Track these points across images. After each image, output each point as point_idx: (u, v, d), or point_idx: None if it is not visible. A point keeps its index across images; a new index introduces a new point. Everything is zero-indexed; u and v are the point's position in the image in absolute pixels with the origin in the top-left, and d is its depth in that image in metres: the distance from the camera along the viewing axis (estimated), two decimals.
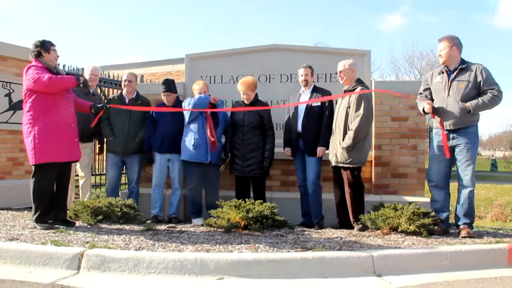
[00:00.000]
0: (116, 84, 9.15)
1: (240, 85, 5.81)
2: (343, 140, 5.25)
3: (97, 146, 6.79)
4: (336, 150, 5.37)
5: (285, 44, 6.89)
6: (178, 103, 6.07)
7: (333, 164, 5.45)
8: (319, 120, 5.63)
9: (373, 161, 6.14)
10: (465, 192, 4.89)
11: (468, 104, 4.78)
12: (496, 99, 4.78)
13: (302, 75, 5.76)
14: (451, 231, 5.10)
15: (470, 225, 4.94)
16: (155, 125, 6.09)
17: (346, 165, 5.30)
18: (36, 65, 4.82)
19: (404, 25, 61.07)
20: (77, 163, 6.14)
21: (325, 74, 6.56)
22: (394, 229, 4.84)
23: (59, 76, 4.76)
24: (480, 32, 58.13)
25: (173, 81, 6.18)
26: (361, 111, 5.17)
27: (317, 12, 63.09)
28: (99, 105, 5.43)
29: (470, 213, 4.92)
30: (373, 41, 58.48)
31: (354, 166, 5.31)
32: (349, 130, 5.23)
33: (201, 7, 64.39)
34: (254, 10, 65.32)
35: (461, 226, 4.91)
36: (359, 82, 5.46)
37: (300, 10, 63.92)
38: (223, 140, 5.81)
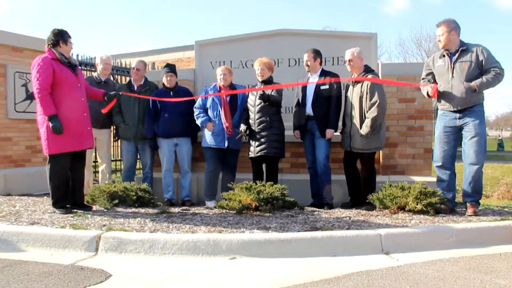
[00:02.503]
0: (128, 72, 9.16)
1: (256, 62, 5.81)
2: (360, 127, 5.32)
3: (113, 132, 6.84)
4: (353, 137, 5.43)
5: (292, 29, 6.85)
6: (178, 88, 6.12)
7: (353, 150, 5.49)
8: (328, 103, 5.60)
9: (383, 143, 6.11)
10: (472, 169, 4.86)
11: (473, 83, 4.75)
12: (499, 77, 4.76)
13: (304, 60, 5.74)
14: (457, 209, 5.08)
15: (477, 202, 4.93)
16: (156, 112, 6.08)
17: (365, 151, 5.40)
18: (43, 62, 4.76)
19: (409, 8, 60.30)
20: (96, 149, 6.23)
21: (333, 58, 6.51)
22: (402, 208, 4.85)
23: (47, 101, 4.70)
24: (483, 13, 57.24)
25: (174, 65, 6.28)
26: (376, 98, 5.24)
27: None
28: (112, 93, 5.46)
29: (477, 191, 4.90)
30: (379, 24, 57.88)
31: (372, 152, 5.43)
32: (365, 118, 5.29)
33: None
34: None
35: (468, 204, 4.90)
36: (367, 69, 5.50)
37: None
38: (242, 128, 5.72)
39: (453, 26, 4.92)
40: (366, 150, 5.40)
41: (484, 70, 4.79)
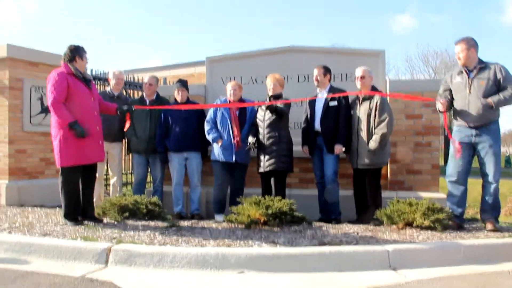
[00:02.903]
0: (140, 86, 9.24)
1: (268, 78, 5.83)
2: (367, 144, 5.35)
3: (125, 146, 6.89)
4: (360, 154, 5.46)
5: (301, 46, 6.89)
6: (189, 102, 6.16)
7: (359, 167, 5.52)
8: (336, 118, 5.62)
9: (389, 159, 6.10)
10: (490, 188, 4.86)
11: (490, 99, 4.76)
12: None
13: (314, 75, 5.78)
14: (465, 226, 5.05)
15: (496, 219, 4.90)
16: (167, 127, 6.12)
17: (371, 167, 5.43)
18: (58, 76, 4.83)
19: (415, 26, 60.47)
20: (107, 162, 6.27)
21: (341, 74, 6.54)
22: (409, 224, 4.81)
23: (62, 111, 4.77)
24: (489, 30, 57.18)
25: (186, 81, 6.33)
26: (386, 116, 5.30)
27: (329, 14, 63.06)
28: (124, 107, 5.51)
29: (495, 208, 4.90)
30: (386, 41, 58.07)
31: (378, 167, 5.47)
32: (374, 134, 5.33)
33: (219, 12, 64.98)
34: (271, 13, 65.55)
35: (487, 221, 4.87)
36: (375, 88, 5.58)
37: (313, 12, 63.98)
38: (251, 140, 5.71)
39: (471, 44, 4.95)
40: (372, 165, 5.42)
41: (502, 87, 4.80)
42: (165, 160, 6.22)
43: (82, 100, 4.93)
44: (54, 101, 4.77)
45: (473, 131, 4.89)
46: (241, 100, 5.94)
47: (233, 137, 5.70)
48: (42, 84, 6.55)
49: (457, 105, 5.01)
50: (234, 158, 5.74)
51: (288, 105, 5.71)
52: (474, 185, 5.15)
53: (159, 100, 6.33)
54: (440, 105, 5.07)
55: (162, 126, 6.12)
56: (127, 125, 5.60)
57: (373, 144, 5.31)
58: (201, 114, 6.11)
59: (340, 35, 65.90)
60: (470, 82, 4.89)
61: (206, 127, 5.89)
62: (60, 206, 5.08)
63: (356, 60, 6.37)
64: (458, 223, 4.97)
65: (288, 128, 5.81)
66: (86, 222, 5.01)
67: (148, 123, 6.17)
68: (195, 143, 6.07)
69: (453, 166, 5.09)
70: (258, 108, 5.90)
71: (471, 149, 4.97)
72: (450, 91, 5.14)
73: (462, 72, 5.01)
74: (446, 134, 22.78)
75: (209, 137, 5.85)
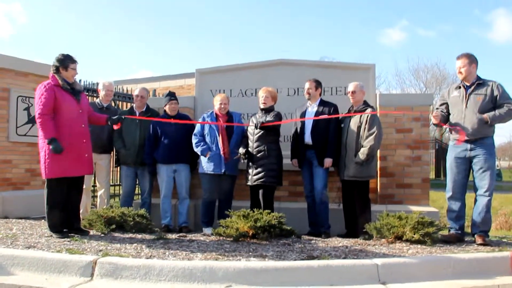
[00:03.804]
0: (130, 98, 9.23)
1: (261, 90, 5.87)
2: (355, 156, 5.39)
3: (114, 157, 6.85)
4: (348, 166, 5.50)
5: (291, 59, 6.94)
6: (179, 115, 6.17)
7: (345, 178, 5.55)
8: (327, 132, 5.65)
9: (378, 172, 6.13)
10: (482, 201, 4.90)
11: (485, 115, 4.84)
12: (511, 112, 4.84)
13: (306, 89, 5.82)
14: (466, 239, 5.07)
15: (486, 233, 4.93)
16: (156, 139, 6.10)
17: (358, 179, 5.46)
18: (45, 88, 4.80)
19: (405, 40, 61.03)
20: (95, 173, 6.22)
21: (331, 88, 6.57)
22: (399, 238, 4.81)
23: (47, 124, 4.73)
24: (477, 46, 58.06)
25: (175, 93, 6.35)
26: (374, 129, 5.37)
27: (318, 27, 63.50)
28: (114, 118, 5.49)
29: (486, 222, 4.92)
30: (375, 55, 58.40)
31: (365, 180, 5.50)
32: (361, 146, 5.39)
33: (208, 25, 65.33)
34: (260, 26, 65.98)
35: (477, 235, 4.89)
36: (366, 104, 5.64)
37: (302, 25, 64.40)
38: (241, 150, 5.73)
39: (472, 59, 5.05)
40: (359, 178, 5.46)
41: (498, 105, 4.90)
42: (153, 172, 6.19)
43: (69, 113, 4.89)
44: (41, 114, 4.73)
45: (468, 145, 4.96)
46: (228, 113, 5.95)
47: (222, 149, 5.69)
48: (30, 94, 6.51)
49: (453, 119, 5.09)
50: (223, 170, 5.73)
51: (279, 119, 5.72)
52: (467, 198, 5.17)
53: (149, 112, 6.32)
54: (433, 118, 5.18)
55: (151, 138, 6.10)
56: (116, 127, 5.59)
57: (361, 156, 5.35)
58: (190, 126, 6.10)
59: (328, 48, 66.27)
60: (467, 97, 4.99)
61: (194, 140, 5.89)
62: (45, 218, 5.01)
63: (346, 74, 6.45)
64: (458, 236, 4.99)
65: (278, 142, 5.83)
66: (71, 234, 4.94)
67: (137, 135, 6.15)
68: (184, 155, 6.05)
69: (449, 181, 5.14)
70: (248, 121, 5.92)
71: (467, 164, 5.03)
72: (447, 106, 5.23)
73: (460, 87, 5.11)
74: (437, 148, 23.09)
75: (198, 150, 5.84)
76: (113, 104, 7.56)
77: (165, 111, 6.17)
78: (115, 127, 5.53)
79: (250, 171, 5.69)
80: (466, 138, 4.92)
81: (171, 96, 6.17)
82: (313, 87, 5.79)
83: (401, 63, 75.20)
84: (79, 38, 67.71)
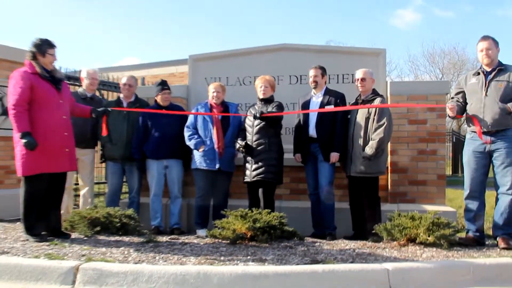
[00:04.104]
0: (116, 87, 9.19)
1: (258, 80, 5.86)
2: (363, 150, 5.35)
3: (99, 153, 6.82)
4: (354, 161, 5.47)
5: (294, 44, 6.90)
6: (171, 106, 6.17)
7: (352, 174, 5.52)
8: (333, 124, 5.62)
9: (389, 168, 6.11)
10: (505, 200, 4.84)
11: (508, 105, 4.77)
12: None
13: (311, 77, 5.76)
14: (486, 242, 5.03)
15: (510, 236, 4.85)
16: (146, 131, 6.09)
17: (366, 175, 5.43)
18: (20, 76, 4.76)
19: (419, 21, 60.16)
20: (78, 170, 6.19)
21: (337, 75, 6.54)
22: (412, 240, 4.80)
23: (21, 117, 4.67)
24: (501, 27, 56.97)
25: (166, 81, 6.33)
26: (384, 121, 5.32)
27: (324, 9, 62.55)
28: (100, 109, 5.45)
29: (510, 223, 4.85)
30: (386, 38, 57.71)
31: (374, 176, 5.46)
32: (370, 139, 5.34)
33: (205, 5, 64.42)
34: (261, 9, 65.19)
35: (499, 238, 4.84)
36: (375, 93, 5.59)
37: (307, 7, 63.57)
38: (240, 142, 5.70)
39: (497, 43, 5.00)
40: (367, 174, 5.43)
41: None
42: (142, 169, 6.17)
43: (48, 103, 4.85)
44: (15, 105, 4.68)
45: (488, 138, 4.90)
46: (223, 103, 5.93)
47: (216, 143, 5.67)
48: (3, 83, 6.46)
49: (471, 108, 5.01)
50: (217, 166, 5.71)
51: (281, 110, 5.70)
52: (488, 197, 5.14)
53: (138, 102, 6.30)
54: (448, 111, 5.10)
55: (140, 131, 6.08)
56: (104, 128, 5.55)
57: (369, 150, 5.31)
58: (184, 118, 6.07)
59: (334, 32, 65.73)
60: (487, 84, 4.91)
61: (186, 133, 5.88)
62: (21, 220, 4.98)
63: (354, 60, 6.41)
64: (476, 239, 4.95)
65: (279, 135, 5.81)
66: (51, 237, 4.92)
67: (124, 128, 6.13)
68: (176, 150, 6.04)
69: (467, 178, 5.10)
70: (246, 112, 5.90)
71: (486, 158, 4.97)
72: (464, 94, 5.16)
73: (478, 73, 5.04)
74: (454, 141, 23.02)
75: (190, 144, 5.81)
76: (97, 94, 7.53)
77: (156, 101, 6.14)
78: (104, 127, 5.50)
79: (248, 166, 5.67)
80: (484, 130, 4.86)
81: (164, 85, 6.14)
82: (319, 74, 5.75)
83: (414, 47, 74.56)
84: (58, 20, 67.23)
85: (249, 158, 5.67)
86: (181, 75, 14.46)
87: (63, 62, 18.74)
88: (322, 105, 5.66)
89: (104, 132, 5.61)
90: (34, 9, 66.59)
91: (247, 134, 5.74)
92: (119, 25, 69.39)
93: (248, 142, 5.66)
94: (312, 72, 5.78)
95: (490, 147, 4.91)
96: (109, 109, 5.59)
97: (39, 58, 4.90)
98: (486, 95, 4.90)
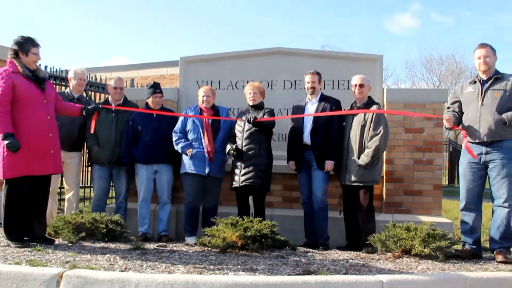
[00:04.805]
0: (104, 88, 9.17)
1: (247, 86, 5.90)
2: (358, 158, 5.36)
3: (86, 156, 6.77)
4: (349, 169, 5.49)
5: (289, 48, 6.93)
6: (163, 109, 6.17)
7: (346, 183, 5.54)
8: (328, 130, 5.64)
9: (384, 177, 6.13)
10: (501, 213, 4.86)
11: (504, 115, 4.79)
12: None
13: (308, 82, 5.78)
14: (483, 255, 5.05)
15: (507, 249, 4.87)
16: (135, 135, 6.08)
17: (360, 184, 5.44)
18: (1, 76, 4.73)
19: (417, 26, 60.30)
20: (63, 174, 6.15)
21: (333, 81, 6.57)
22: (407, 252, 4.81)
23: (3, 117, 4.65)
24: (501, 34, 57.02)
25: (159, 84, 6.31)
26: (380, 129, 5.35)
27: (320, 13, 62.56)
28: (90, 107, 5.43)
29: (507, 236, 4.86)
30: (383, 44, 57.86)
31: (368, 185, 5.47)
32: (366, 148, 5.36)
33: (198, 7, 64.33)
34: (255, 12, 65.17)
35: (497, 251, 4.85)
36: (371, 101, 5.63)
37: (302, 11, 63.61)
38: (230, 147, 5.72)
39: (495, 51, 5.03)
40: (362, 183, 5.44)
41: None
42: (131, 173, 6.15)
43: (31, 103, 4.81)
44: None
45: (484, 148, 4.91)
46: (214, 107, 5.94)
47: (206, 147, 5.67)
48: None
49: (467, 118, 5.03)
50: (207, 171, 5.71)
51: (273, 116, 5.72)
52: (485, 208, 5.17)
53: (127, 104, 6.28)
54: (445, 122, 5.13)
55: (130, 134, 6.07)
56: (93, 125, 5.55)
57: (364, 158, 5.33)
58: (175, 122, 6.06)
59: (330, 37, 65.86)
60: (483, 92, 4.93)
61: (174, 137, 5.88)
62: (1, 224, 4.93)
63: (350, 66, 6.45)
64: (473, 251, 4.97)
65: (270, 141, 5.83)
66: (33, 243, 4.88)
67: (113, 130, 6.10)
68: (166, 154, 6.02)
69: (462, 189, 5.12)
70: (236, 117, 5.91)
71: (482, 170, 4.99)
72: (460, 104, 5.18)
73: (475, 82, 5.06)
74: (451, 150, 23.16)
75: (178, 148, 5.82)
76: (84, 95, 7.50)
77: (147, 104, 6.14)
78: (93, 124, 5.49)
79: (237, 171, 5.67)
80: (480, 140, 4.88)
81: (156, 87, 6.13)
82: (316, 80, 5.78)
83: (412, 53, 74.92)
84: (45, 18, 66.91)
85: (238, 164, 5.67)
86: (171, 77, 14.45)
87: (49, 61, 18.61)
88: (317, 111, 5.68)
89: (91, 130, 5.62)
90: (20, 5, 66.25)
91: (237, 139, 5.75)
92: (109, 23, 69.23)
93: (238, 147, 5.67)
94: (309, 78, 5.79)
95: (485, 158, 4.92)
96: (100, 106, 5.58)
97: (21, 57, 4.87)
98: (482, 104, 4.91)
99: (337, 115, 5.63)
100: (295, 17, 63.74)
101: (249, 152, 5.60)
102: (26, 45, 4.89)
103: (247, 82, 6.19)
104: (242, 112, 5.99)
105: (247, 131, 5.66)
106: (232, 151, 5.63)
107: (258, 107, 5.78)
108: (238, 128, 5.80)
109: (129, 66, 16.68)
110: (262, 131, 5.65)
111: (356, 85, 5.61)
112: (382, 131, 5.34)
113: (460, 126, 5.14)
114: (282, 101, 6.44)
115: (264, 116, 5.61)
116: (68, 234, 5.14)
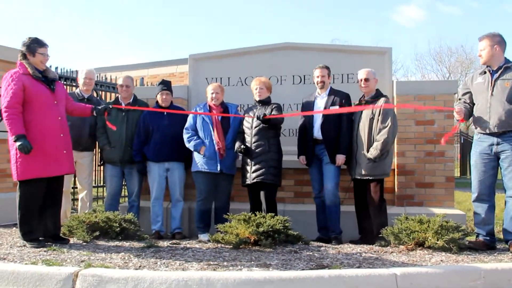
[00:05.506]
0: (114, 87, 9.20)
1: (254, 81, 5.89)
2: (367, 151, 5.36)
3: (98, 155, 6.81)
4: (359, 162, 5.49)
5: (297, 43, 6.91)
6: (172, 107, 6.19)
7: (356, 177, 5.53)
8: (338, 125, 5.63)
9: (396, 170, 6.11)
10: None
11: None
12: None
13: (318, 76, 5.77)
14: (497, 247, 5.02)
15: None
16: (146, 133, 6.10)
17: (370, 178, 5.43)
18: (12, 78, 4.77)
19: (423, 18, 59.53)
20: (76, 174, 6.19)
21: (342, 75, 6.55)
22: (420, 245, 4.80)
23: (15, 119, 4.67)
24: (509, 23, 56.04)
25: (170, 82, 6.35)
26: (388, 122, 5.33)
27: (329, 7, 62.15)
28: (101, 107, 5.46)
29: None
30: (392, 36, 57.32)
31: (379, 178, 5.45)
32: (375, 141, 5.36)
33: (206, 4, 64.17)
34: (263, 8, 64.94)
35: (511, 242, 4.83)
36: (379, 93, 5.61)
37: (312, 5, 63.26)
38: (238, 145, 5.72)
39: (496, 40, 4.96)
40: (371, 176, 5.44)
41: None
42: (143, 171, 6.18)
43: (42, 105, 4.84)
44: (8, 108, 4.68)
45: (495, 139, 4.89)
46: (223, 104, 5.94)
47: (216, 144, 5.68)
48: None
49: (477, 109, 5.00)
50: (219, 168, 5.72)
51: (281, 111, 5.71)
52: (498, 199, 5.13)
53: (137, 103, 6.29)
54: (455, 114, 5.11)
55: (141, 133, 6.09)
56: (110, 124, 5.66)
57: (373, 151, 5.33)
58: (185, 120, 6.08)
59: (339, 31, 65.48)
60: (493, 83, 4.88)
61: (186, 134, 5.88)
62: (17, 225, 4.97)
63: (359, 59, 6.42)
64: (487, 243, 4.93)
65: (279, 136, 5.82)
66: (49, 243, 4.92)
67: (124, 129, 6.13)
68: (178, 152, 6.04)
69: (474, 180, 5.08)
70: (244, 114, 5.91)
71: (494, 160, 4.96)
72: (471, 95, 5.15)
73: (485, 72, 5.01)
74: (462, 142, 23.00)
75: (190, 145, 5.82)
76: (95, 95, 7.53)
77: (157, 102, 6.16)
78: (110, 125, 5.55)
79: (248, 168, 5.68)
80: (491, 131, 4.85)
81: (164, 84, 6.15)
82: (326, 74, 5.77)
83: (421, 45, 74.26)
84: (55, 19, 67.24)
85: (248, 160, 5.67)
86: (181, 75, 14.47)
87: (59, 62, 18.74)
88: (327, 105, 5.66)
89: (113, 127, 5.73)
90: (31, 8, 66.63)
91: (246, 136, 5.75)
92: (118, 23, 69.44)
93: (247, 144, 5.68)
94: (318, 72, 5.78)
95: (497, 149, 4.89)
96: (111, 106, 5.62)
97: (29, 58, 4.90)
98: (492, 94, 4.87)
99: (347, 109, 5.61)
100: (305, 12, 63.53)
101: (259, 149, 5.60)
102: (32, 45, 4.92)
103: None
104: (249, 108, 5.99)
105: (255, 127, 5.66)
106: (239, 149, 5.64)
107: (265, 102, 5.77)
108: (246, 124, 5.79)
109: (139, 65, 16.71)
110: (272, 127, 5.64)
111: (362, 79, 5.60)
112: (390, 124, 5.32)
113: (472, 118, 5.10)
114: (292, 96, 6.44)
115: (272, 112, 5.61)
116: (83, 234, 5.18)
